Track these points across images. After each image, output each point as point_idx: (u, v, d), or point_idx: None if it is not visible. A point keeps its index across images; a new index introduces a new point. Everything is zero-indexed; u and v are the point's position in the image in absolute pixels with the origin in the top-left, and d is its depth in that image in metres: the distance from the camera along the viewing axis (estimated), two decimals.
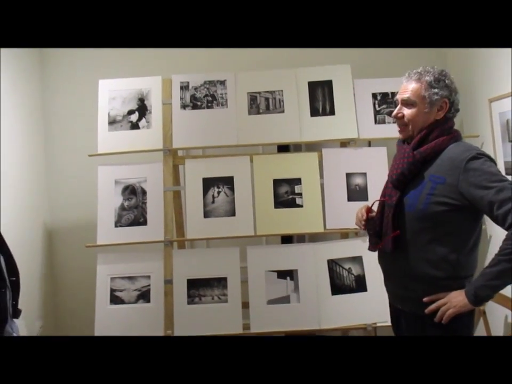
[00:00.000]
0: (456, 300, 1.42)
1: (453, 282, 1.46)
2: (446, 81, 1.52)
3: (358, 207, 2.46)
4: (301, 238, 3.31)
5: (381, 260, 1.66)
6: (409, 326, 1.55)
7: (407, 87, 1.53)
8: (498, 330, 2.42)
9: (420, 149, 1.49)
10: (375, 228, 1.61)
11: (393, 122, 2.56)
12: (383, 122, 2.62)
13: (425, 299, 1.47)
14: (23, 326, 2.44)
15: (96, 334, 2.45)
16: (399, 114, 1.55)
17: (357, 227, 1.75)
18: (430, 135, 1.50)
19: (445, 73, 1.54)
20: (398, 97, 1.56)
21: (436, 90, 1.50)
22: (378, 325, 2.42)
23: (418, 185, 1.48)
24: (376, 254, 2.43)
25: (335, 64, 2.67)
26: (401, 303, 1.57)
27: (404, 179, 1.51)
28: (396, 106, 1.62)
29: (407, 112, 1.53)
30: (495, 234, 2.50)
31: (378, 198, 1.66)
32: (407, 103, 1.52)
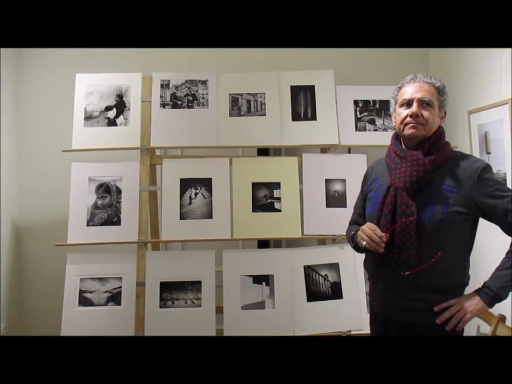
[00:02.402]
0: (470, 304, 1.42)
1: (460, 289, 1.49)
2: (446, 91, 1.54)
3: (337, 213, 2.51)
4: (278, 243, 3.28)
5: (383, 272, 1.54)
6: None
7: (422, 88, 1.48)
8: None
9: (430, 156, 1.47)
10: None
11: (374, 130, 2.62)
12: (364, 129, 2.62)
13: (436, 308, 1.45)
14: None
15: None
16: (420, 113, 1.47)
17: (367, 246, 1.52)
18: (439, 143, 1.49)
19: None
20: (414, 96, 1.48)
21: (445, 96, 1.52)
22: (353, 332, 2.40)
23: (432, 195, 1.45)
24: (352, 261, 2.39)
25: (318, 69, 2.66)
26: (405, 315, 1.50)
27: (418, 188, 1.46)
28: (395, 107, 1.56)
29: (425, 112, 1.47)
30: (476, 243, 2.53)
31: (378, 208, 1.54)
32: (426, 103, 1.47)
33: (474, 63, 2.48)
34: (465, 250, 1.50)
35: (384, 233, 1.46)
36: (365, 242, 1.50)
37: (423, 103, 1.47)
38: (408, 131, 1.49)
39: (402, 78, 1.59)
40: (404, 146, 1.54)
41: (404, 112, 1.50)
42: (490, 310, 2.16)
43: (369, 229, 1.49)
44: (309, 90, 2.62)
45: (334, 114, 2.60)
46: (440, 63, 2.91)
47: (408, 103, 1.49)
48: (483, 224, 1.51)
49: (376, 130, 2.62)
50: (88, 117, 2.55)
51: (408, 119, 1.48)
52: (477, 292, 1.45)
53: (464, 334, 2.36)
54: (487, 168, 1.44)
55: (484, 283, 1.46)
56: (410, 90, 1.50)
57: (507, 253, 1.44)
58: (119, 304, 2.39)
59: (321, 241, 2.69)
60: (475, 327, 2.42)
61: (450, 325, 1.43)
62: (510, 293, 1.45)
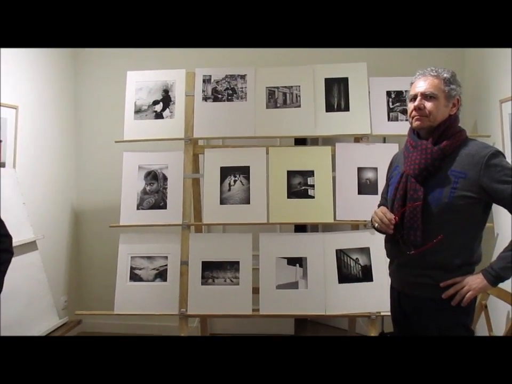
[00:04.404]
0: (474, 282, 1.52)
1: (468, 268, 1.58)
2: (458, 80, 1.63)
3: (368, 200, 2.61)
4: (314, 228, 3.42)
5: (395, 250, 1.67)
6: (418, 311, 1.63)
7: (426, 82, 1.58)
8: (500, 325, 2.48)
9: (440, 144, 1.56)
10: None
11: (406, 120, 2.70)
12: (396, 119, 2.71)
13: (442, 284, 1.56)
14: (50, 301, 2.64)
15: (116, 308, 2.63)
16: (422, 105, 1.57)
17: (375, 227, 1.70)
18: (449, 131, 1.58)
19: (455, 73, 1.65)
20: (418, 91, 1.59)
21: (453, 86, 1.60)
22: (382, 313, 2.52)
23: (440, 180, 1.54)
24: (382, 245, 2.50)
25: (351, 62, 2.76)
26: (415, 290, 1.63)
27: (427, 174, 1.56)
28: (407, 102, 1.68)
29: (428, 104, 1.57)
30: (501, 233, 2.58)
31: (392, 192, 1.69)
32: (429, 96, 1.57)
33: (506, 53, 2.49)
34: (474, 232, 1.58)
35: (394, 216, 1.60)
36: (377, 224, 1.66)
37: (426, 96, 1.58)
38: (414, 123, 1.63)
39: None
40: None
41: (411, 106, 1.63)
42: None
43: (381, 212, 1.64)
44: (343, 82, 2.73)
45: (367, 105, 2.70)
46: (476, 53, 2.93)
47: (414, 98, 1.61)
48: None
49: (408, 120, 2.68)
50: (138, 111, 2.80)
51: (413, 112, 1.61)
52: (482, 271, 1.55)
53: (492, 319, 2.43)
54: (496, 154, 1.51)
55: (490, 263, 1.55)
56: (417, 85, 1.62)
57: None
58: (165, 280, 2.63)
59: (355, 227, 2.81)
60: (505, 312, 2.47)
61: (455, 300, 1.54)
62: None
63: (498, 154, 1.52)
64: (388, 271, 1.80)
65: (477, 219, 1.58)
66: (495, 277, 1.51)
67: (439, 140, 1.58)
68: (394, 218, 1.60)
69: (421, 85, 1.60)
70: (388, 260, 1.80)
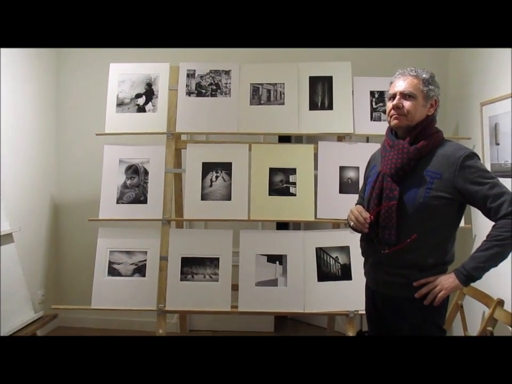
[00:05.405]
0: (446, 282, 1.53)
1: (441, 267, 1.59)
2: (436, 81, 1.64)
3: (349, 199, 2.62)
4: (296, 226, 3.42)
5: (370, 249, 1.70)
6: (391, 309, 1.64)
7: (405, 82, 1.59)
8: (475, 325, 2.52)
9: (416, 145, 1.57)
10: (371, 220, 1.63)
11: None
12: (379, 119, 2.72)
13: (415, 283, 1.57)
14: (25, 294, 2.60)
15: (93, 303, 2.60)
16: (400, 105, 1.58)
17: (352, 226, 1.69)
18: (426, 131, 1.59)
19: (434, 74, 1.66)
20: (397, 90, 1.60)
21: (432, 87, 1.61)
22: (360, 312, 2.53)
23: (416, 180, 1.55)
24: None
25: (336, 61, 2.77)
26: (388, 288, 1.64)
27: (403, 174, 1.57)
28: (386, 101, 1.69)
29: (406, 104, 1.58)
30: (479, 234, 2.61)
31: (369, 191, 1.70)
32: (407, 95, 1.58)
33: (490, 54, 2.52)
34: (448, 232, 1.60)
35: (369, 215, 1.61)
36: (352, 223, 1.66)
37: (404, 95, 1.59)
38: (392, 122, 1.62)
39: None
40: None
41: (390, 105, 1.63)
42: (489, 294, 2.25)
43: (356, 211, 1.65)
44: (327, 81, 2.74)
45: (350, 105, 2.71)
46: (459, 56, 2.96)
47: (393, 97, 1.62)
48: None
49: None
50: (120, 104, 2.76)
51: (392, 111, 1.61)
52: (454, 271, 1.56)
53: (468, 319, 2.46)
54: (471, 155, 1.53)
55: (462, 263, 1.56)
56: (396, 85, 1.62)
57: (487, 236, 1.53)
58: (143, 275, 2.61)
59: (336, 225, 2.82)
60: (480, 312, 2.50)
61: (427, 300, 1.55)
62: None
63: (473, 156, 1.54)
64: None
65: (451, 219, 1.59)
66: (466, 277, 1.52)
67: (416, 139, 1.59)
68: (370, 217, 1.60)
69: (400, 84, 1.61)
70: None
